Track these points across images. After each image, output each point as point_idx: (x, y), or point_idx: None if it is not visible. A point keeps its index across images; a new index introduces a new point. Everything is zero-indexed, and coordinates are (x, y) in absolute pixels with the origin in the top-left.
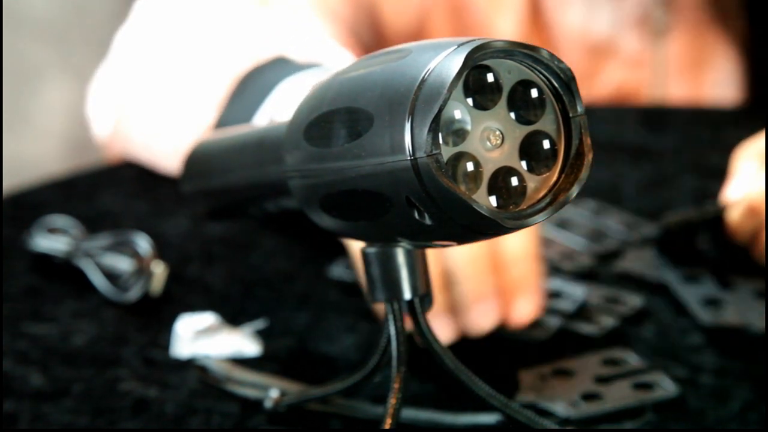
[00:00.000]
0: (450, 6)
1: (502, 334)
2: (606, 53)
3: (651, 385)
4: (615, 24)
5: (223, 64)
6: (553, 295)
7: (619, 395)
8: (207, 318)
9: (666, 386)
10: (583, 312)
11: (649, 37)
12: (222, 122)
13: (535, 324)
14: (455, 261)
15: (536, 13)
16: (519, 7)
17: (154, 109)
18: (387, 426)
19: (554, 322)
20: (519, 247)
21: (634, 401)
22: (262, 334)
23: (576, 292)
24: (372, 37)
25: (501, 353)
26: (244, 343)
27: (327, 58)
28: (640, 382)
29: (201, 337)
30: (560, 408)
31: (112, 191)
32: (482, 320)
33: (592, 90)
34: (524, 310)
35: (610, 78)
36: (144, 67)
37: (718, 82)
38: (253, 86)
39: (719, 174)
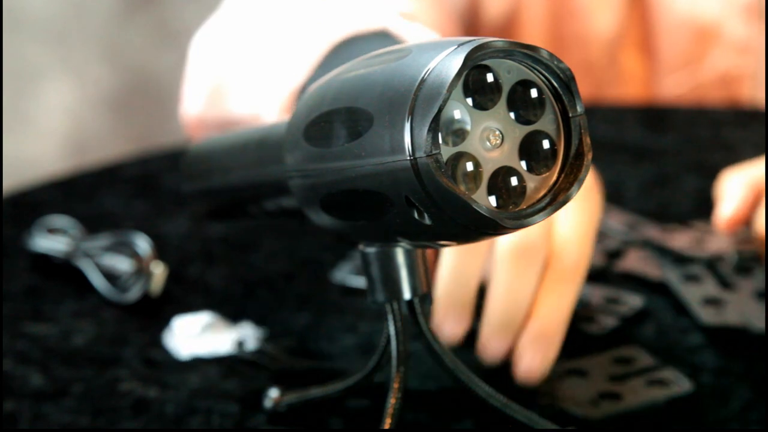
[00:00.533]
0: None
1: None
2: (712, 38)
3: (666, 382)
4: (723, 8)
5: (322, 29)
6: None
7: (637, 394)
8: (204, 317)
9: (681, 383)
10: (583, 312)
11: (757, 23)
12: (309, 84)
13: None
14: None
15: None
16: None
17: (254, 68)
18: (387, 426)
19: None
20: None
21: (653, 399)
22: (264, 334)
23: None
24: (469, 20)
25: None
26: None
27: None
28: (655, 380)
29: (199, 336)
30: (580, 409)
31: (111, 191)
32: (452, 331)
33: (697, 75)
34: (536, 362)
35: (715, 64)
36: (244, 34)
37: None
38: (348, 53)
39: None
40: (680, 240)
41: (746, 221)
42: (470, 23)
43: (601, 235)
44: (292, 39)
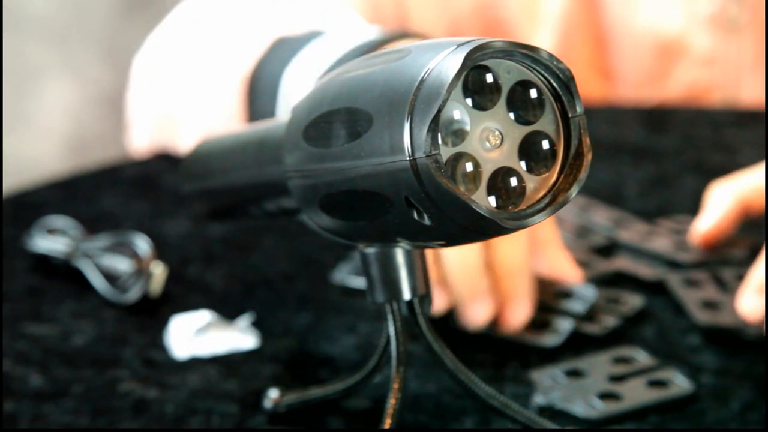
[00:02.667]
0: (483, 19)
1: (509, 339)
2: (677, 52)
3: (665, 383)
4: (687, 22)
5: (227, 70)
6: (564, 295)
7: (637, 394)
8: (201, 316)
9: (681, 383)
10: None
11: (722, 35)
12: (260, 76)
13: (546, 328)
14: (449, 267)
15: (591, 18)
16: (557, 18)
17: (195, 84)
18: (386, 426)
19: (566, 325)
20: (512, 259)
21: (653, 399)
22: (262, 334)
23: (587, 292)
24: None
25: (507, 355)
26: (240, 338)
27: (330, 23)
28: (654, 380)
29: (197, 336)
30: (580, 409)
31: (112, 192)
32: (476, 316)
33: (663, 91)
34: (518, 314)
35: (681, 78)
36: (182, 52)
37: None
38: (262, 86)
39: (721, 174)
40: (661, 242)
41: (725, 236)
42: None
43: (588, 232)
44: (206, 89)
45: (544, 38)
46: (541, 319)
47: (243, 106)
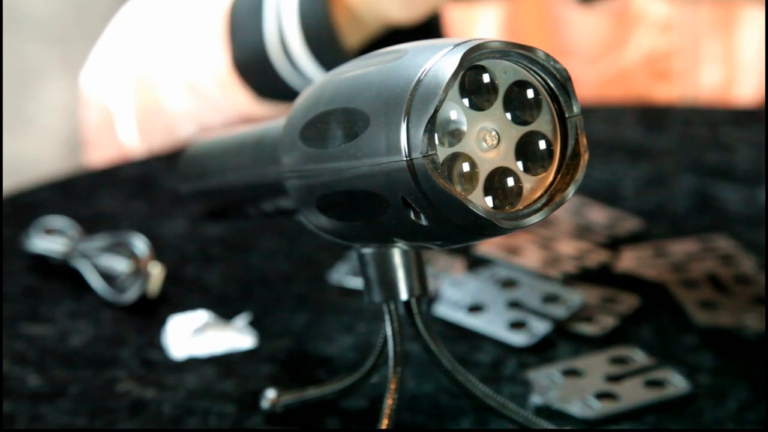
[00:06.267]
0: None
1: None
2: (635, 19)
3: (663, 382)
4: None
5: (203, 12)
6: (549, 299)
7: (634, 394)
8: (198, 316)
9: (677, 383)
10: (582, 312)
11: (679, 1)
12: (238, 54)
13: (522, 327)
14: None
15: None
16: (497, 17)
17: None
18: (384, 426)
19: (542, 328)
20: None
21: (650, 399)
22: (260, 334)
23: (573, 298)
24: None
25: (505, 355)
26: (238, 337)
27: None
28: (651, 380)
29: (195, 336)
30: (577, 409)
31: (110, 192)
32: None
33: (623, 57)
34: None
35: (640, 44)
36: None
37: (750, 46)
38: (242, 15)
39: (718, 173)
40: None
41: None
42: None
43: (585, 231)
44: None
45: (491, 17)
46: (519, 319)
47: (226, 41)
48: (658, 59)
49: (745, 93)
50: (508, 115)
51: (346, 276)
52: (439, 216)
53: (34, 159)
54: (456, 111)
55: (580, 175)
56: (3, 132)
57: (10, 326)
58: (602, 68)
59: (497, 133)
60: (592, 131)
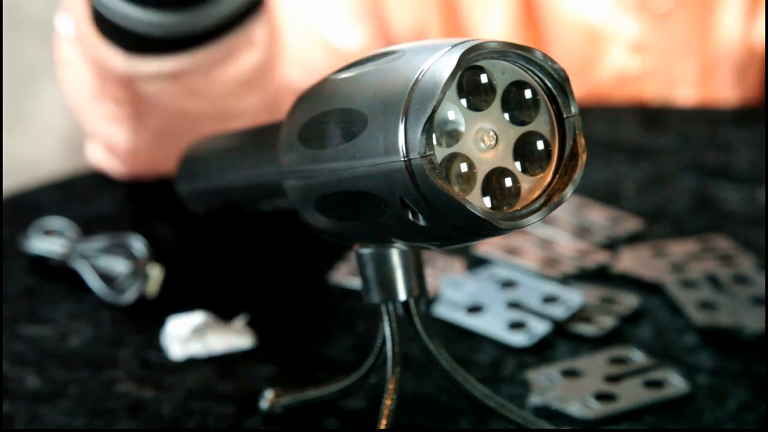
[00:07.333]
0: (444, 6)
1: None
2: (606, 39)
3: (662, 383)
4: (614, 8)
5: None
6: (548, 299)
7: (633, 394)
8: (197, 317)
9: (676, 383)
10: (581, 312)
11: (650, 21)
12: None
13: (521, 327)
14: None
15: (530, 7)
16: (508, 4)
17: None
18: (382, 426)
19: (541, 328)
20: None
21: (649, 399)
22: (259, 335)
23: (573, 298)
24: (380, 30)
25: (503, 355)
26: (237, 338)
27: None
28: (650, 380)
29: (193, 337)
30: (576, 409)
31: (109, 193)
32: None
33: (595, 77)
34: None
35: (612, 64)
36: None
37: (726, 59)
38: None
39: (718, 173)
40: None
41: None
42: (382, 35)
43: (585, 231)
44: None
45: (495, 23)
46: (518, 319)
47: None
48: (631, 80)
49: (724, 105)
50: (506, 116)
51: (345, 276)
52: (437, 216)
53: (34, 159)
54: (454, 111)
55: (578, 175)
56: (3, 132)
57: (9, 327)
58: (576, 85)
59: (495, 134)
60: (592, 131)
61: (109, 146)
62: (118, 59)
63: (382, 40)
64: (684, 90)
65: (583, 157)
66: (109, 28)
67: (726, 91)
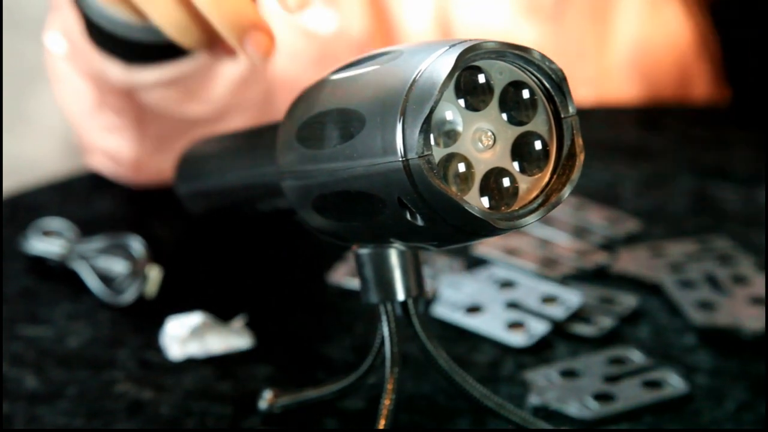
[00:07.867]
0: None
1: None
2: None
3: (660, 383)
4: (512, 15)
5: None
6: (547, 300)
7: (631, 394)
8: (195, 317)
9: (675, 383)
10: (580, 313)
11: (544, 24)
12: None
13: (521, 328)
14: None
15: (444, 20)
16: (424, 19)
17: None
18: (381, 427)
19: (540, 328)
20: None
21: (648, 399)
22: (257, 335)
23: (572, 298)
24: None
25: (502, 356)
26: (235, 338)
27: None
28: (649, 380)
29: (192, 337)
30: (574, 409)
31: (108, 194)
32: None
33: None
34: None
35: None
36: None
37: (621, 68)
38: None
39: (717, 173)
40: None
41: None
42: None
43: (583, 231)
44: None
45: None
46: (517, 319)
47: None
48: None
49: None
50: (504, 116)
51: (344, 277)
52: (435, 216)
53: (34, 159)
54: (451, 111)
55: (576, 175)
56: (3, 132)
57: (8, 327)
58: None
59: (493, 134)
60: (591, 132)
61: (113, 157)
62: (117, 70)
63: (355, 20)
64: (582, 90)
65: (581, 158)
66: (106, 39)
67: (626, 91)
